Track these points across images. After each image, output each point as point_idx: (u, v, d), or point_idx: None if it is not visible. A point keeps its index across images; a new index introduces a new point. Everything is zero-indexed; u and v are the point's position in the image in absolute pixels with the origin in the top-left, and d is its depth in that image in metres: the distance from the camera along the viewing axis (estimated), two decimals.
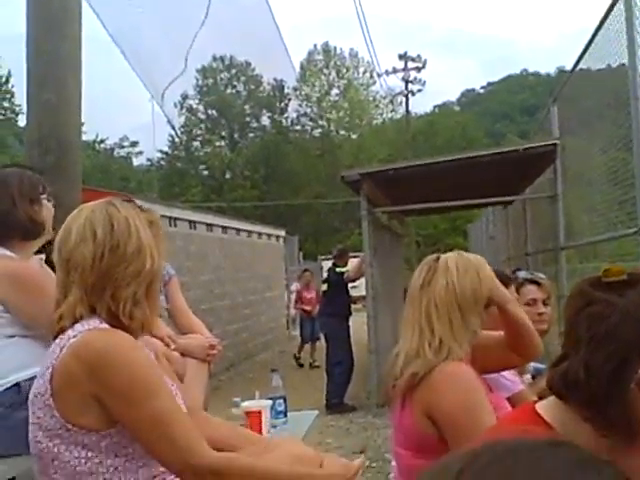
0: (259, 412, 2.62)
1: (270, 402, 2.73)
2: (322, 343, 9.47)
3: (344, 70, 44.88)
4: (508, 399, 2.18)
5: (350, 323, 8.70)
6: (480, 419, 1.68)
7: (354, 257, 9.55)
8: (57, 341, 1.58)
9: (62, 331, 1.58)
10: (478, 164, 7.25)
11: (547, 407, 1.08)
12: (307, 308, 12.14)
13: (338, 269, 8.77)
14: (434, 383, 1.78)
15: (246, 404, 2.72)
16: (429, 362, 1.82)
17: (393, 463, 2.02)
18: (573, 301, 1.08)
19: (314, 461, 1.68)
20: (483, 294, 1.92)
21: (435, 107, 77.48)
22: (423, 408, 1.79)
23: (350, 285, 8.78)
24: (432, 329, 1.88)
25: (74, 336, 1.55)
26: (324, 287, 8.89)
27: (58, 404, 1.52)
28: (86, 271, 1.59)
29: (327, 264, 12.90)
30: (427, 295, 1.93)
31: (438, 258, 2.01)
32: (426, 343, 1.87)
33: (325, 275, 9.23)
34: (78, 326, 1.57)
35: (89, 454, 1.52)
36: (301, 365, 11.66)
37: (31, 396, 1.58)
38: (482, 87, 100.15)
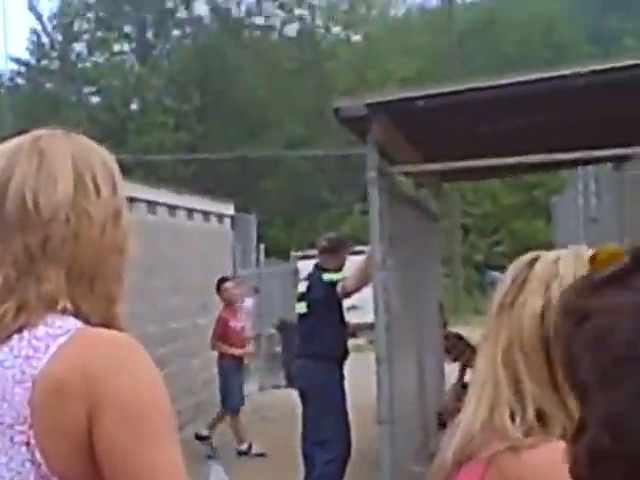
0: None
1: None
2: (292, 410, 9.45)
3: None
4: None
5: (345, 371, 8.74)
6: None
7: (355, 254, 9.57)
8: (18, 342, 1.67)
9: (19, 329, 1.69)
10: (571, 91, 7.29)
11: None
12: (236, 352, 12.19)
13: (327, 276, 8.82)
14: None
15: None
16: (511, 441, 1.84)
17: None
18: (560, 327, 1.14)
19: None
20: None
21: None
22: None
23: (347, 304, 8.81)
24: (517, 381, 1.90)
25: (60, 334, 1.67)
26: (301, 308, 8.97)
27: (41, 440, 1.61)
28: (81, 245, 1.73)
29: (307, 265, 12.86)
30: (510, 323, 1.95)
31: (536, 259, 2.02)
32: (505, 407, 1.88)
33: (303, 286, 9.26)
34: (55, 321, 1.69)
35: None
36: (242, 453, 11.83)
37: None
38: None
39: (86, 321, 1.74)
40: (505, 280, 1.98)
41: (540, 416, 1.86)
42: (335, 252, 8.98)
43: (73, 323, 1.71)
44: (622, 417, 1.02)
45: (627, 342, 1.03)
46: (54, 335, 1.67)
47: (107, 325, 1.76)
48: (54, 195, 1.72)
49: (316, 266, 9.12)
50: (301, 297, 9.06)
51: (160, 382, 1.72)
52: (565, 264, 1.92)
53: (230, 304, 12.35)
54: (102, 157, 1.83)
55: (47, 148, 1.78)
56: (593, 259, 1.13)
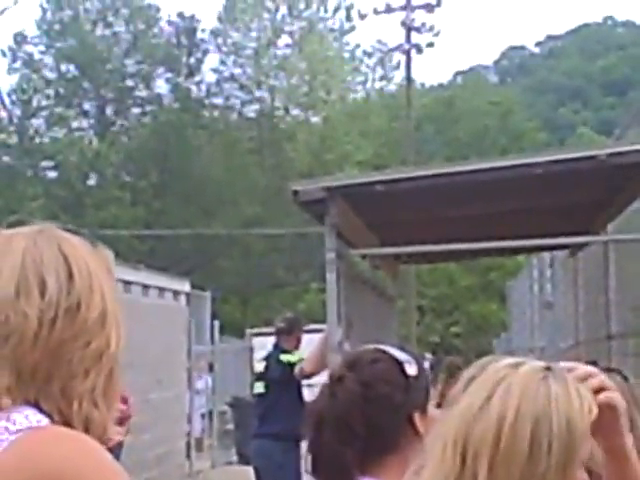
0: None
1: None
2: None
3: (301, 3, 45.49)
4: None
5: (303, 452, 8.70)
6: None
7: (312, 332, 9.55)
8: None
9: None
10: (527, 179, 7.39)
11: None
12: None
13: (284, 357, 8.81)
14: None
15: None
16: None
17: None
18: None
19: None
20: (578, 452, 1.96)
21: (457, 75, 79.15)
22: None
23: (305, 383, 8.79)
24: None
25: (10, 432, 1.60)
26: (259, 388, 8.95)
27: None
28: (25, 344, 1.65)
29: (262, 342, 12.82)
30: (449, 417, 1.97)
31: (492, 361, 2.03)
32: None
33: (261, 366, 9.23)
34: (4, 421, 1.62)
35: None
36: None
37: None
38: (537, 44, 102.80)
39: (51, 419, 1.67)
40: (459, 382, 1.97)
41: None
42: (291, 332, 9.02)
43: (29, 417, 1.64)
44: None
45: None
46: (10, 431, 1.60)
47: (69, 424, 1.68)
48: None
49: (275, 346, 9.12)
50: (259, 377, 9.06)
51: None
52: (518, 381, 1.88)
53: None
54: (66, 253, 1.75)
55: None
56: None
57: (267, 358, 9.12)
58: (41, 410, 1.67)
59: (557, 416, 1.84)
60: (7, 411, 1.65)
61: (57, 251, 1.73)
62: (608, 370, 3.29)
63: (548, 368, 1.93)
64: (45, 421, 1.66)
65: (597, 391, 1.97)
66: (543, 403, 1.86)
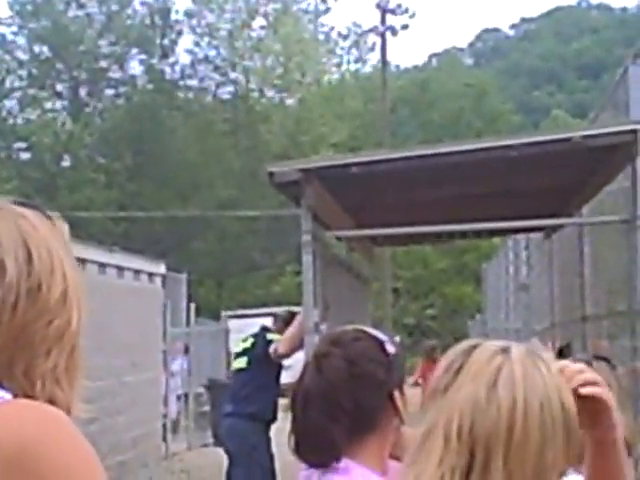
0: None
1: None
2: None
3: None
4: None
5: (272, 434, 8.71)
6: None
7: (289, 315, 9.57)
8: None
9: None
10: (501, 161, 7.41)
11: None
12: None
13: (270, 335, 8.93)
14: None
15: None
16: None
17: None
18: None
19: None
20: (574, 432, 1.97)
21: (432, 57, 79.13)
22: None
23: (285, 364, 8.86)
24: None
25: None
26: (240, 362, 9.00)
27: None
28: None
29: (238, 325, 12.86)
30: (444, 408, 1.96)
31: (475, 346, 2.02)
32: None
33: (248, 342, 9.23)
34: None
35: None
36: None
37: None
38: (511, 27, 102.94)
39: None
40: (439, 367, 1.98)
41: None
42: (288, 323, 9.02)
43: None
44: None
45: None
46: None
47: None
48: None
49: (265, 328, 9.22)
50: (243, 352, 9.07)
51: (90, 456, 1.62)
52: (516, 362, 1.90)
53: None
54: (24, 232, 1.72)
55: None
56: None
57: (255, 336, 9.14)
58: (3, 388, 1.67)
59: (554, 399, 1.87)
60: None
61: (15, 230, 1.70)
62: (596, 358, 3.33)
63: (533, 352, 1.95)
64: (8, 396, 1.65)
65: (588, 384, 1.99)
66: (542, 389, 1.89)
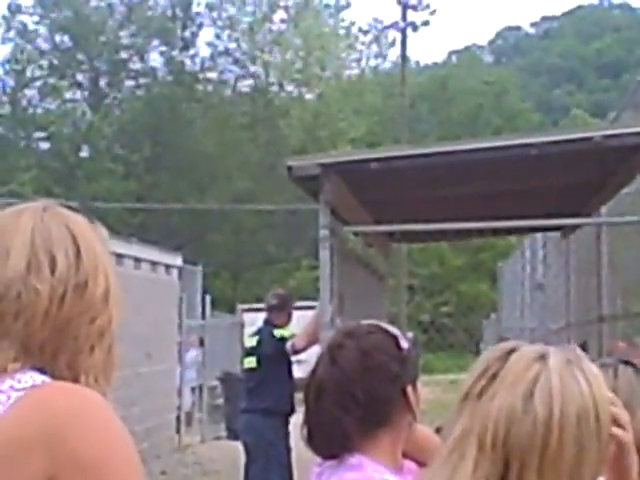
0: None
1: None
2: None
3: None
4: None
5: (291, 428, 8.70)
6: None
7: (302, 309, 9.57)
8: None
9: None
10: (521, 159, 7.39)
11: None
12: None
13: (278, 332, 8.86)
14: None
15: None
16: None
17: None
18: None
19: None
20: (606, 442, 1.94)
21: (452, 54, 79.03)
22: None
23: (294, 359, 8.82)
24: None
25: (15, 389, 1.65)
26: (250, 362, 8.97)
27: None
28: (36, 320, 1.70)
29: (253, 318, 12.81)
30: (478, 414, 1.92)
31: (512, 351, 1.97)
32: None
33: (253, 340, 9.22)
34: (9, 380, 1.68)
35: None
36: None
37: None
38: (532, 25, 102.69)
39: None
40: (474, 370, 1.92)
41: None
42: (282, 308, 9.06)
43: (35, 377, 1.69)
44: None
45: None
46: (17, 389, 1.66)
47: None
48: (5, 272, 1.72)
49: (266, 322, 9.15)
50: (251, 352, 9.04)
51: (126, 438, 1.68)
52: (554, 369, 1.84)
53: None
54: (73, 231, 1.82)
55: (6, 223, 1.79)
56: None
57: (259, 333, 9.13)
58: (46, 374, 1.72)
59: (591, 412, 1.84)
60: (13, 372, 1.70)
61: (65, 229, 1.79)
62: (623, 362, 3.27)
63: (571, 360, 1.89)
64: (49, 380, 1.71)
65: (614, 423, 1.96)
66: (580, 401, 1.85)
